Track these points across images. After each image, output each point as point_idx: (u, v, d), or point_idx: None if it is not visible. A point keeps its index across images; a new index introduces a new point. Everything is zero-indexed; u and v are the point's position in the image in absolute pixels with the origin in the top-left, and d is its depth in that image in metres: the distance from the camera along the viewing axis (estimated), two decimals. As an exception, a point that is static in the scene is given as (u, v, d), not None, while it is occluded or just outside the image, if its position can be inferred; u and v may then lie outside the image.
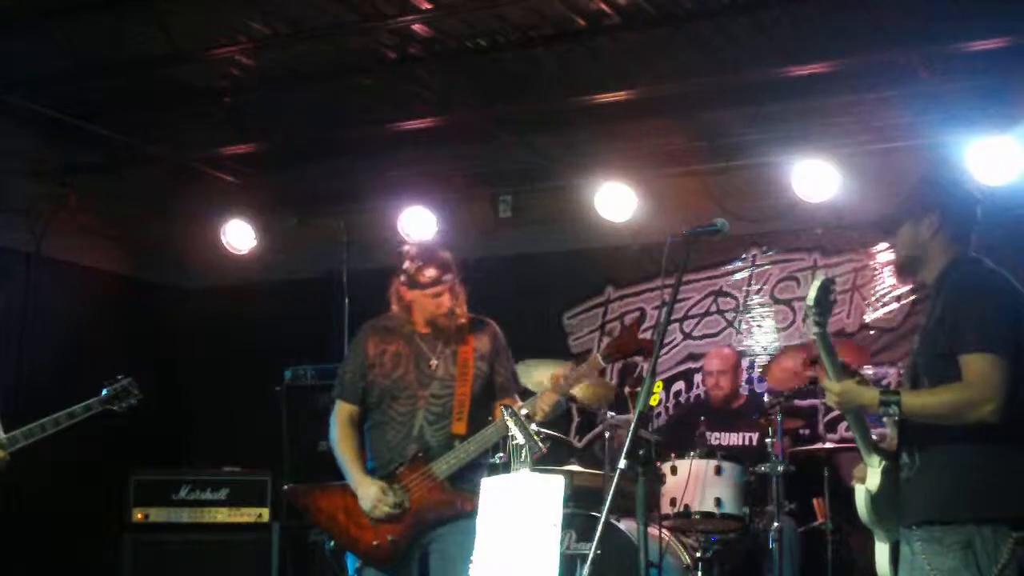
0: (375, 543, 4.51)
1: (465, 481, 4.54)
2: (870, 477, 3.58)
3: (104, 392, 5.34)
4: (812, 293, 3.44)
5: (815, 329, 3.49)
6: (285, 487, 4.87)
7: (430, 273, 4.58)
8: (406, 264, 4.63)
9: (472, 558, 4.25)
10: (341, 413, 4.71)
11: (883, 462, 3.57)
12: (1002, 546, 3.29)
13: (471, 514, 4.38)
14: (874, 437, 3.64)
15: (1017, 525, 3.31)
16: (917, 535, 3.41)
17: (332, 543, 4.66)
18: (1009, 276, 3.54)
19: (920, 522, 3.41)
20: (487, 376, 4.67)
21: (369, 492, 4.51)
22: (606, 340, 4.78)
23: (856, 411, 3.57)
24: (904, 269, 3.73)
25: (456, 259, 4.70)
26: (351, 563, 4.64)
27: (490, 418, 4.61)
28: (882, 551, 3.67)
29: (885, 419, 3.56)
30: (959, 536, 3.32)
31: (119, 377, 5.42)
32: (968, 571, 3.30)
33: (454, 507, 4.49)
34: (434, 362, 4.62)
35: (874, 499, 3.58)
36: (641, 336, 4.77)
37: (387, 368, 4.64)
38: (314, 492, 4.72)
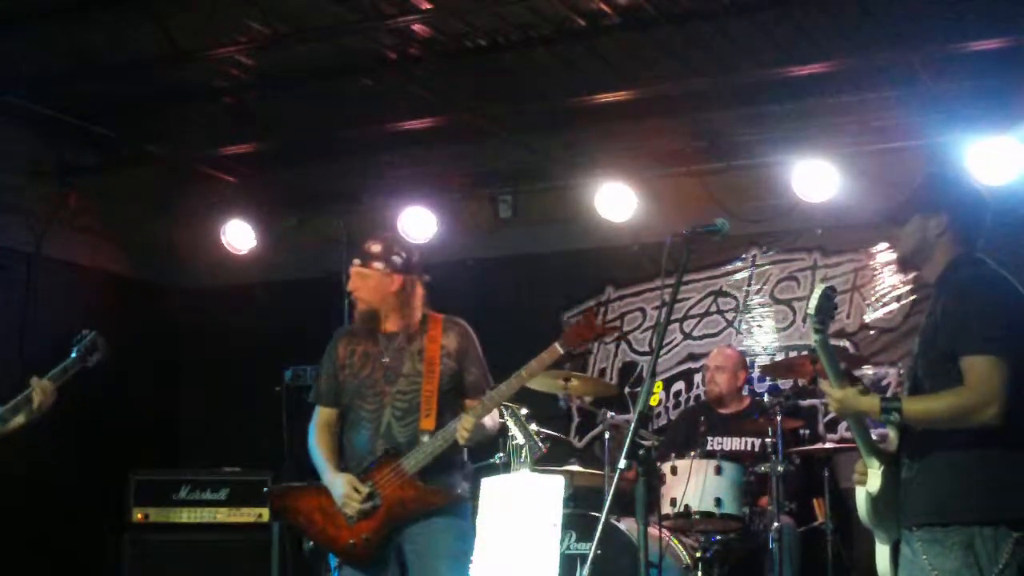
0: (351, 542, 4.54)
1: (436, 477, 4.56)
2: (871, 478, 3.58)
3: (74, 354, 5.09)
4: (813, 301, 3.44)
5: (816, 336, 3.49)
6: (264, 489, 4.90)
7: (353, 260, 4.74)
8: None
9: (450, 556, 4.28)
10: (319, 418, 4.78)
11: (883, 464, 3.57)
12: (1003, 546, 3.29)
13: (444, 510, 4.45)
14: (874, 438, 3.64)
15: (1018, 525, 3.31)
16: (918, 536, 3.41)
17: (311, 543, 4.69)
18: (1009, 277, 3.54)
19: (921, 523, 3.41)
20: (455, 374, 4.69)
21: (339, 487, 4.54)
22: (565, 330, 4.82)
23: (856, 415, 3.58)
24: (906, 262, 3.74)
25: (407, 259, 4.72)
26: (332, 562, 4.66)
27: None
28: (882, 552, 3.66)
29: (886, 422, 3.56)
30: (960, 537, 3.32)
31: (84, 332, 5.27)
32: (969, 571, 3.30)
33: (426, 503, 4.50)
34: (400, 360, 4.65)
35: (874, 500, 3.57)
36: (600, 324, 4.81)
37: (356, 368, 4.70)
38: (291, 493, 4.77)
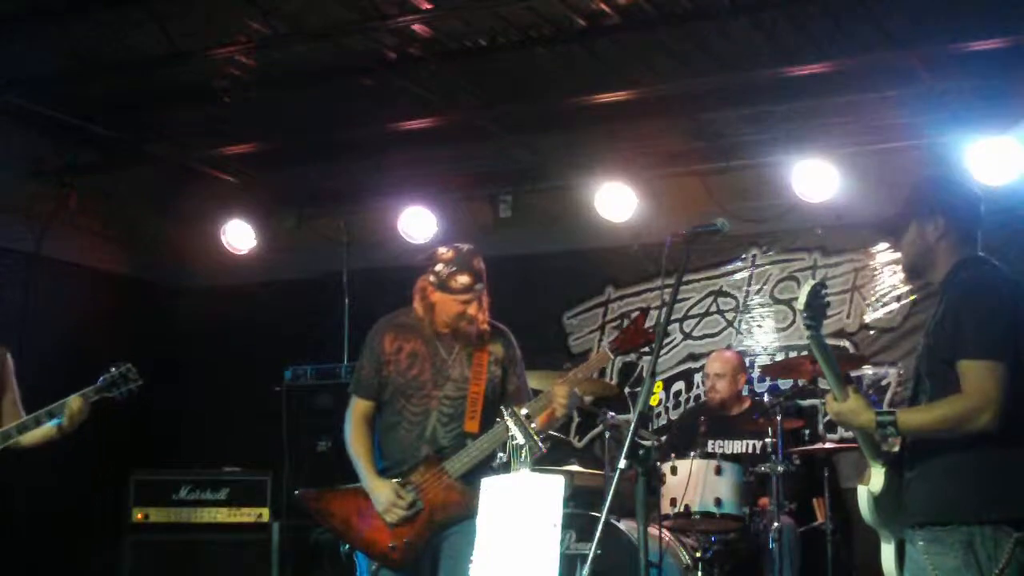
0: (391, 545, 4.49)
1: (477, 479, 4.51)
2: (873, 478, 3.59)
3: (100, 380, 5.24)
4: (803, 297, 3.43)
5: (807, 332, 3.49)
6: (296, 492, 4.86)
7: (463, 280, 4.51)
8: (439, 267, 4.54)
9: (473, 558, 4.27)
10: (357, 410, 4.68)
11: (886, 464, 3.57)
12: (1003, 546, 3.30)
13: None
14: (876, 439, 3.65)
15: (1018, 525, 3.31)
16: (920, 535, 3.42)
17: (347, 545, 4.63)
18: (1008, 275, 3.55)
19: (922, 523, 3.42)
20: (500, 381, 4.66)
21: (382, 495, 4.49)
22: (613, 334, 4.82)
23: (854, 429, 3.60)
24: (912, 270, 3.74)
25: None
26: (363, 564, 4.61)
27: (498, 420, 4.58)
28: (887, 551, 3.67)
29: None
30: (960, 536, 3.33)
31: (118, 363, 5.32)
32: (969, 571, 3.30)
33: (468, 506, 4.42)
34: (450, 365, 4.60)
35: (877, 500, 3.59)
36: (647, 328, 4.81)
37: (402, 366, 4.61)
38: (326, 496, 4.69)
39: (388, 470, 4.59)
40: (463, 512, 4.45)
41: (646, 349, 7.70)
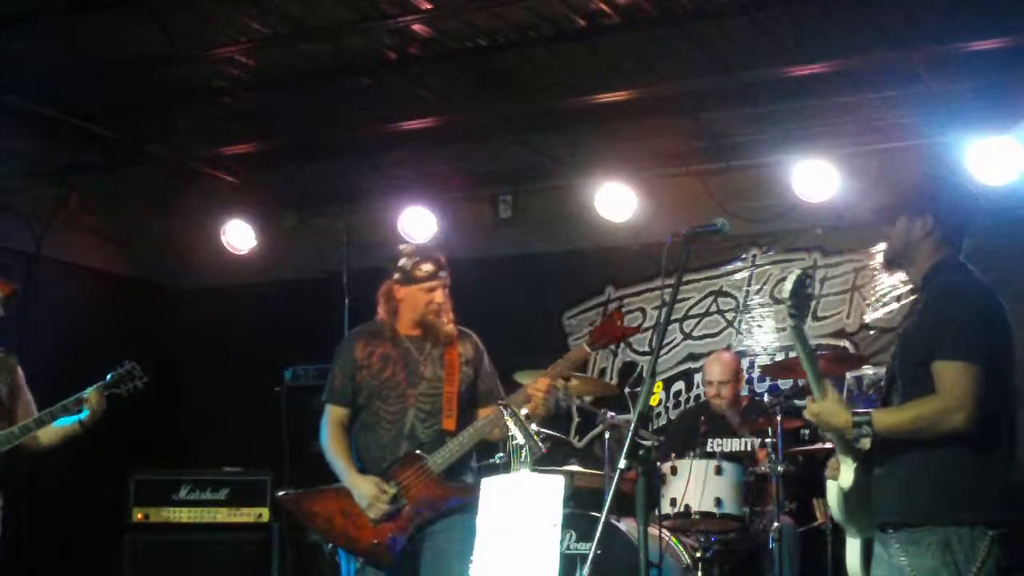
0: (375, 542, 4.52)
1: (457, 477, 4.60)
2: (843, 473, 3.59)
3: (109, 376, 5.39)
4: (788, 285, 3.41)
5: (790, 322, 3.47)
6: (277, 494, 4.91)
7: (427, 268, 4.66)
8: (402, 261, 4.70)
9: (467, 555, 4.28)
10: (332, 417, 4.75)
11: (857, 460, 3.57)
12: (980, 545, 3.31)
13: (464, 508, 4.43)
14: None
15: (994, 524, 3.32)
16: (895, 537, 3.42)
17: (330, 545, 4.66)
18: (983, 282, 3.55)
19: (897, 524, 3.42)
20: (472, 380, 4.73)
21: (365, 490, 4.53)
22: (590, 329, 4.87)
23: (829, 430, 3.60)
24: (891, 263, 3.75)
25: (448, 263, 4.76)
26: (347, 563, 4.64)
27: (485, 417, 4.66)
28: (853, 548, 3.69)
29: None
30: (937, 536, 3.33)
31: (124, 362, 5.46)
32: (947, 570, 3.31)
33: (450, 501, 4.52)
34: (422, 365, 4.66)
35: (847, 496, 3.59)
36: (623, 325, 4.85)
37: (375, 369, 4.68)
38: (308, 497, 4.73)
39: (366, 470, 4.63)
40: (445, 506, 4.52)
41: (645, 349, 7.80)
